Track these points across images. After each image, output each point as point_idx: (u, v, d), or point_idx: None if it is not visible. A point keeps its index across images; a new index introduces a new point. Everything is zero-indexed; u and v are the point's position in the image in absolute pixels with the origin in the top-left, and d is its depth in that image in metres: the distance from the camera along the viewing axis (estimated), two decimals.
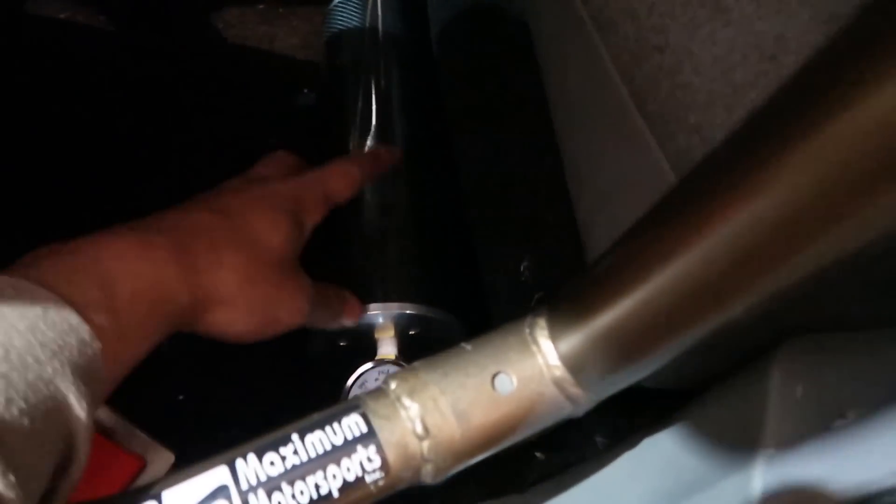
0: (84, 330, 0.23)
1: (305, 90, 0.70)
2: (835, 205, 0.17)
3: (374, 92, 0.56)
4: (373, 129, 0.54)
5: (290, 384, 0.54)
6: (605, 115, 0.35)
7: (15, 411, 0.19)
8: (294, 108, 0.69)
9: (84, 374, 0.23)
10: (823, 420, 0.26)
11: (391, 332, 0.46)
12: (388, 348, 0.46)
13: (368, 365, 0.47)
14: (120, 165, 0.60)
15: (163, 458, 0.33)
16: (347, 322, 0.42)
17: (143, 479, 0.36)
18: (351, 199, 0.40)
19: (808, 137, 0.17)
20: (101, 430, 0.32)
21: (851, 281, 0.30)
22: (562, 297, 0.29)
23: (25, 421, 0.20)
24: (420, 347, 0.47)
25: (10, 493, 0.18)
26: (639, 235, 0.24)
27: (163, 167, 0.62)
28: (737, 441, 0.28)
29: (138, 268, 0.27)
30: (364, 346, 0.48)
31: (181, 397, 0.50)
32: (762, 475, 0.24)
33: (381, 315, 0.45)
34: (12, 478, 0.18)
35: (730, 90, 0.28)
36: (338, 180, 0.39)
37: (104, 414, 0.33)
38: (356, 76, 0.57)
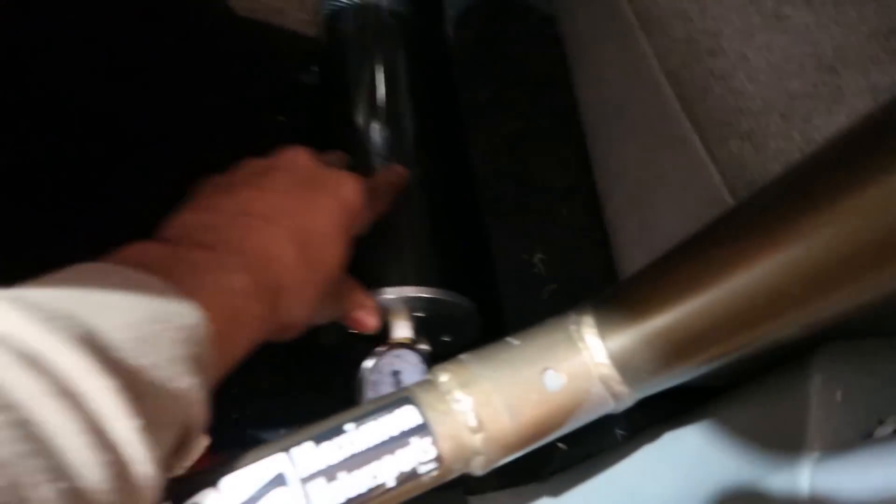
0: (203, 325, 0.23)
1: (314, 67, 0.69)
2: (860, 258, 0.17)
3: (377, 72, 0.55)
4: (379, 110, 0.54)
5: (305, 368, 0.54)
6: (647, 116, 0.35)
7: (148, 376, 0.21)
8: (302, 84, 0.68)
9: (199, 360, 0.23)
10: (863, 425, 0.26)
11: (405, 315, 0.46)
12: (402, 331, 0.46)
13: (383, 348, 0.48)
14: (128, 137, 0.59)
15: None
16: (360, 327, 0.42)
17: None
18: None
19: (878, 181, 0.17)
20: None
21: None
22: (610, 297, 0.29)
23: (153, 388, 0.21)
24: (432, 330, 0.47)
25: (136, 437, 0.19)
26: (703, 244, 0.24)
27: (172, 141, 0.61)
28: (778, 442, 0.28)
29: (226, 303, 0.26)
30: (380, 331, 0.48)
31: (236, 416, 0.50)
32: (809, 477, 0.25)
33: (394, 298, 0.45)
34: (141, 421, 0.20)
35: (786, 98, 0.29)
36: (385, 195, 0.41)
37: None
38: (358, 54, 0.56)
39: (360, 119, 0.53)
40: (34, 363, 0.18)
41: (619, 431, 0.42)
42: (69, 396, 0.19)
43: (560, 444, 0.42)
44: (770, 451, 0.29)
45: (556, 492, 0.40)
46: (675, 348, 0.26)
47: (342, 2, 0.58)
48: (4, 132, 0.55)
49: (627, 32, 0.36)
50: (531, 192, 0.52)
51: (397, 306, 0.48)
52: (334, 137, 0.52)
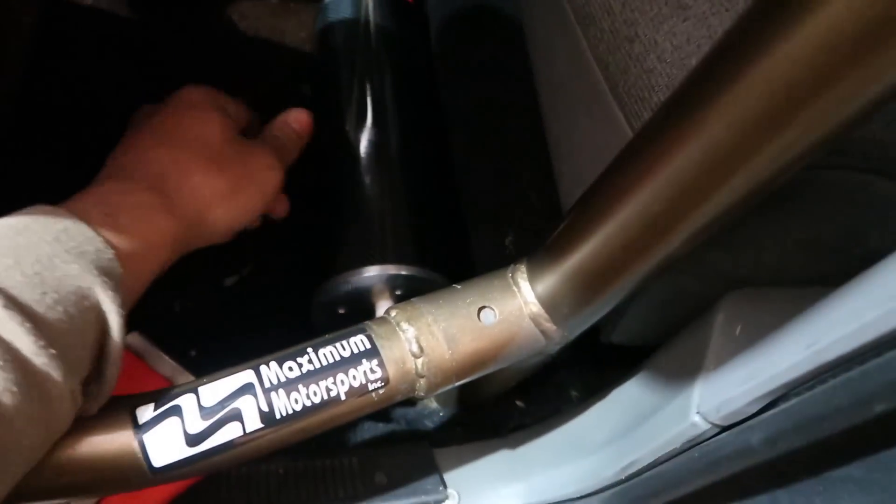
0: (98, 241, 0.27)
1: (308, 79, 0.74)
2: (743, 144, 0.22)
3: (366, 81, 0.60)
4: (367, 114, 0.59)
5: (267, 309, 0.58)
6: (584, 99, 0.40)
7: (49, 300, 0.24)
8: (301, 97, 0.73)
9: (105, 273, 0.27)
10: (751, 346, 0.30)
11: (387, 294, 0.50)
12: (385, 309, 0.50)
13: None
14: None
15: (185, 379, 0.37)
16: (298, 125, 0.47)
17: None
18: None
19: (715, 96, 0.22)
20: (133, 352, 0.37)
21: (784, 242, 0.35)
22: (539, 247, 0.34)
23: (60, 308, 0.24)
24: None
25: (52, 362, 0.22)
26: (597, 188, 0.29)
27: None
28: (683, 373, 0.32)
29: (123, 203, 0.31)
30: (363, 311, 0.52)
31: (193, 353, 0.54)
32: (700, 390, 0.29)
33: (377, 277, 0.50)
34: (53, 350, 0.23)
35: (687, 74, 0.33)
36: (234, 107, 0.45)
37: (135, 339, 0.37)
38: (347, 66, 0.61)
39: (348, 123, 0.58)
40: None
41: (573, 393, 0.46)
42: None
43: (519, 402, 0.46)
44: (677, 382, 0.33)
45: (514, 445, 0.44)
46: (587, 282, 0.30)
47: (333, 19, 0.64)
48: (31, 139, 0.60)
49: (567, 26, 0.41)
50: (504, 182, 0.57)
51: (380, 286, 0.53)
52: (326, 142, 0.57)
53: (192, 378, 0.39)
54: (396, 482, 0.41)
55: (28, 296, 0.23)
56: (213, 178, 0.36)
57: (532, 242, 0.55)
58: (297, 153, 0.46)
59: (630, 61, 0.36)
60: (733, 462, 0.28)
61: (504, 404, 0.45)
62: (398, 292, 0.53)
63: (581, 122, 0.42)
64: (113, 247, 0.28)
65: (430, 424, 0.48)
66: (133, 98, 0.68)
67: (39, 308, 0.23)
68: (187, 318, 0.56)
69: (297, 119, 0.47)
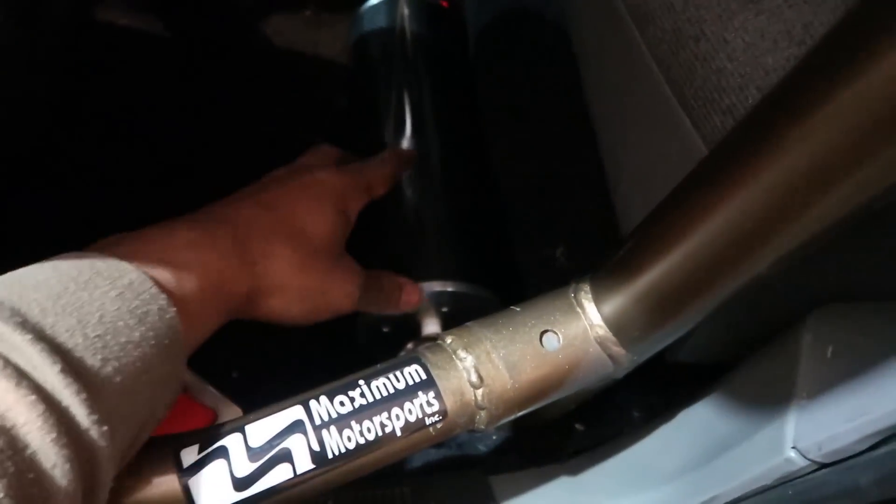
0: (163, 299, 0.25)
1: (345, 92, 0.73)
2: (843, 163, 0.19)
3: (404, 92, 0.58)
4: (406, 126, 0.57)
5: (341, 369, 0.57)
6: (644, 103, 0.38)
7: (110, 370, 0.22)
8: (337, 109, 0.72)
9: (164, 338, 0.25)
10: (851, 374, 0.27)
11: (433, 312, 0.48)
12: (431, 327, 0.48)
13: (412, 345, 0.50)
14: (173, 164, 0.64)
15: (232, 412, 0.36)
16: (406, 308, 0.44)
17: None
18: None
19: (821, 103, 0.19)
20: None
21: (878, 251, 0.32)
22: (604, 265, 0.31)
23: (118, 378, 0.22)
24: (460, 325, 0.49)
25: (102, 442, 0.20)
26: (673, 203, 0.26)
27: (213, 167, 0.65)
28: (771, 398, 0.30)
29: (205, 257, 0.29)
30: (408, 328, 0.51)
31: (235, 374, 0.53)
32: (795, 421, 0.26)
33: (423, 294, 0.48)
34: (105, 428, 0.21)
35: (762, 73, 0.31)
36: (376, 172, 0.42)
37: None
38: (385, 77, 0.60)
39: (387, 137, 0.56)
40: None
41: (636, 413, 0.43)
42: (31, 390, 0.19)
43: (578, 426, 0.43)
44: (763, 408, 0.30)
45: (574, 471, 0.42)
46: (661, 303, 0.28)
47: (368, 28, 0.62)
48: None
49: (623, 28, 0.38)
50: (552, 191, 0.54)
51: (426, 303, 0.51)
52: (365, 155, 0.56)
53: (235, 407, 0.38)
54: None
55: (89, 362, 0.21)
56: (293, 272, 0.34)
57: (585, 254, 0.53)
58: (381, 311, 0.43)
59: (696, 62, 0.33)
60: (835, 502, 0.26)
61: (562, 427, 0.43)
62: (444, 309, 0.51)
63: (639, 128, 0.39)
64: (176, 301, 0.26)
65: (483, 448, 0.46)
66: (169, 118, 0.67)
67: (99, 378, 0.21)
68: (227, 338, 0.55)
69: (409, 294, 0.44)
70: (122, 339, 0.23)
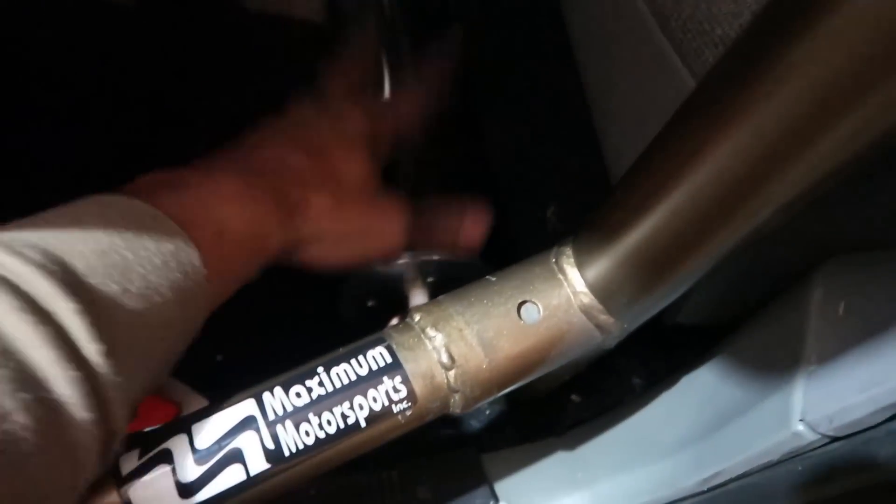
0: (198, 263, 0.25)
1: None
2: (838, 99, 0.16)
3: (382, 49, 0.55)
4: (386, 85, 0.54)
5: (327, 348, 0.55)
6: (628, 40, 0.34)
7: (128, 300, 0.21)
8: (316, 70, 0.68)
9: (190, 297, 0.24)
10: (866, 336, 0.24)
11: (419, 283, 0.45)
12: (419, 299, 0.45)
13: (399, 318, 0.47)
14: (147, 137, 0.61)
15: (198, 404, 0.33)
16: (468, 243, 0.41)
17: None
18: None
19: (820, 22, 0.16)
20: None
21: (884, 199, 0.28)
22: (586, 226, 0.28)
23: (144, 332, 0.22)
24: None
25: (98, 360, 0.20)
26: (657, 150, 0.23)
27: (190, 139, 0.62)
28: (777, 364, 0.27)
29: (248, 214, 0.29)
30: (395, 301, 0.48)
31: (219, 357, 0.51)
32: (803, 390, 0.23)
33: (409, 264, 0.45)
34: (104, 346, 0.20)
35: None
36: (404, 115, 0.40)
37: None
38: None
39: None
40: (4, 284, 0.19)
41: (636, 381, 0.40)
42: (38, 313, 0.19)
43: (574, 397, 0.40)
44: (770, 374, 0.27)
45: (572, 446, 0.39)
46: (650, 264, 0.25)
47: None
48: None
49: None
50: (539, 146, 0.51)
51: (412, 273, 0.48)
52: None
53: (201, 398, 0.35)
54: (441, 496, 0.36)
55: (120, 317, 0.21)
56: (326, 220, 0.32)
57: (578, 213, 0.49)
58: (439, 246, 0.41)
59: None
60: (849, 479, 0.23)
61: (558, 399, 0.40)
62: (431, 279, 0.48)
63: (626, 68, 0.36)
64: (211, 258, 0.25)
65: (476, 425, 0.43)
66: (144, 89, 0.64)
67: (116, 302, 0.21)
68: (210, 320, 0.52)
69: (471, 227, 0.41)
70: (158, 300, 0.23)
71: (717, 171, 0.21)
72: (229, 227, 0.27)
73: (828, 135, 0.18)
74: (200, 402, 0.35)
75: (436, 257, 0.47)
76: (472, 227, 0.40)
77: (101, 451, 0.20)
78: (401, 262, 0.46)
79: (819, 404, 0.23)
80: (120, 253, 0.22)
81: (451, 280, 0.48)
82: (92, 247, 0.21)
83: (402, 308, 0.48)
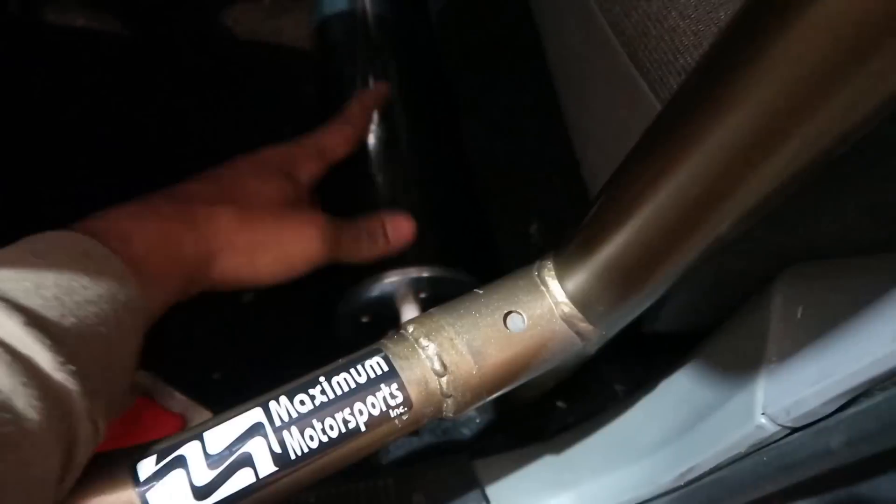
0: (115, 260, 0.27)
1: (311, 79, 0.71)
2: (790, 116, 0.18)
3: (370, 74, 0.57)
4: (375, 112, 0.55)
5: (320, 364, 0.57)
6: (601, 69, 0.37)
7: (68, 323, 0.24)
8: (305, 97, 0.71)
9: (120, 294, 0.26)
10: (819, 335, 0.27)
11: (411, 298, 0.47)
12: (411, 314, 0.47)
13: (392, 332, 0.49)
14: (139, 164, 0.62)
15: (203, 417, 0.35)
16: (400, 243, 0.43)
17: None
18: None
19: (769, 48, 0.18)
20: (141, 392, 0.35)
21: (845, 208, 0.31)
22: (565, 241, 0.30)
23: (78, 330, 0.24)
24: None
25: (73, 379, 0.22)
26: (626, 170, 0.25)
27: (181, 164, 0.64)
28: (743, 364, 0.29)
29: (148, 224, 0.31)
30: (388, 317, 0.50)
31: (216, 376, 0.52)
32: (764, 386, 0.25)
33: (400, 281, 0.47)
34: (73, 367, 0.22)
35: (715, 29, 0.29)
36: (331, 136, 0.43)
37: (143, 376, 0.35)
38: (349, 60, 0.58)
39: None
40: None
41: (618, 387, 0.43)
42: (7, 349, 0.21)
43: (560, 403, 0.42)
44: (736, 375, 0.29)
45: (559, 450, 0.41)
46: (623, 275, 0.27)
47: (328, 12, 0.60)
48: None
49: None
50: (522, 166, 0.53)
51: (403, 290, 0.50)
52: None
53: (205, 411, 0.37)
54: (436, 502, 0.38)
55: (48, 315, 0.23)
56: (236, 229, 0.35)
57: (559, 228, 0.52)
58: (373, 257, 0.43)
59: (649, 22, 0.32)
60: (808, 466, 0.25)
61: (544, 406, 0.42)
62: (423, 295, 0.50)
63: (600, 95, 0.38)
64: (130, 267, 0.28)
65: (467, 433, 0.45)
66: (132, 116, 0.66)
67: (59, 329, 0.23)
68: (207, 340, 0.54)
69: (397, 226, 0.43)
70: (78, 298, 0.24)
71: (679, 190, 0.23)
72: (134, 236, 0.30)
73: (772, 157, 0.20)
74: (204, 415, 0.37)
75: (425, 274, 0.49)
76: (397, 226, 0.43)
77: (93, 430, 0.23)
78: (393, 279, 0.48)
79: (778, 397, 0.25)
80: (66, 284, 0.24)
81: (441, 295, 0.50)
82: (42, 280, 0.24)
83: (395, 323, 0.50)
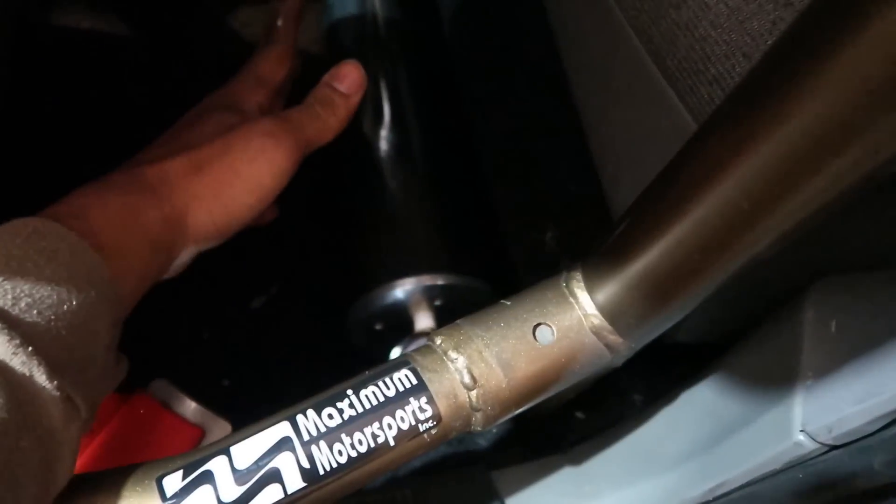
0: (72, 236, 0.26)
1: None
2: (839, 134, 0.18)
3: (380, 79, 0.57)
4: (385, 115, 0.55)
5: (334, 371, 0.56)
6: (626, 78, 0.36)
7: (23, 305, 0.23)
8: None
9: (81, 270, 0.26)
10: (858, 351, 0.26)
11: (425, 305, 0.47)
12: (424, 321, 0.47)
13: (406, 340, 0.49)
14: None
15: (220, 428, 0.35)
16: (353, 90, 0.41)
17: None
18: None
19: (814, 71, 0.18)
20: (159, 403, 0.34)
21: (879, 219, 0.30)
22: (595, 251, 0.30)
23: (34, 311, 0.23)
24: (453, 317, 0.48)
25: (31, 361, 0.22)
26: (664, 183, 0.25)
27: None
28: (775, 378, 0.28)
29: (104, 198, 0.30)
30: (401, 325, 0.49)
31: (226, 383, 0.52)
32: (802, 403, 0.25)
33: (413, 290, 0.46)
34: (30, 347, 0.22)
35: (748, 39, 0.29)
36: (264, 61, 0.43)
37: (158, 385, 0.35)
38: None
39: (366, 124, 0.55)
40: None
41: (637, 397, 0.42)
42: None
43: (578, 414, 0.42)
44: (768, 388, 0.29)
45: (578, 461, 0.41)
46: (656, 288, 0.26)
47: (338, 16, 0.60)
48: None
49: (600, 1, 0.37)
50: (537, 174, 0.53)
51: (417, 297, 0.49)
52: (344, 147, 0.54)
53: (222, 422, 0.36)
54: None
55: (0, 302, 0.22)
56: (189, 178, 0.33)
57: (575, 237, 0.51)
58: (343, 118, 0.40)
59: (678, 31, 0.31)
60: (848, 485, 0.25)
61: (563, 416, 0.42)
62: (437, 303, 0.49)
63: (623, 103, 0.38)
64: (88, 240, 0.27)
65: (483, 443, 0.45)
66: (140, 120, 0.65)
67: (12, 311, 0.22)
68: (217, 346, 0.53)
69: (342, 76, 0.41)
70: (31, 278, 0.23)
71: (715, 209, 0.22)
72: (90, 211, 0.29)
73: (821, 175, 0.20)
74: (222, 426, 0.36)
75: (440, 282, 0.48)
76: (344, 75, 0.42)
77: (65, 410, 0.23)
78: (406, 287, 0.48)
79: (818, 415, 0.24)
80: (16, 266, 0.24)
81: (456, 302, 0.50)
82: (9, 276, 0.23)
83: (408, 331, 0.49)
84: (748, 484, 0.29)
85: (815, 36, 0.19)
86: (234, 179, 0.34)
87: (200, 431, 0.35)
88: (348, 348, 0.52)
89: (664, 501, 0.34)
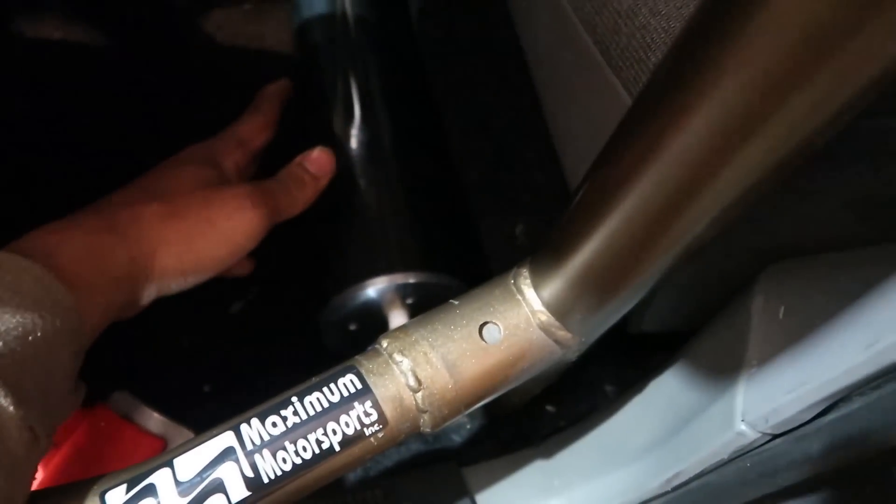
0: (36, 268, 0.27)
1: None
2: (760, 107, 0.17)
3: (350, 76, 0.56)
4: (355, 112, 0.55)
5: (314, 374, 0.56)
6: (576, 67, 0.36)
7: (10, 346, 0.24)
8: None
9: (45, 299, 0.26)
10: (801, 338, 0.26)
11: (398, 304, 0.47)
12: (399, 320, 0.47)
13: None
14: (122, 173, 0.62)
15: (183, 437, 0.35)
16: (322, 172, 0.43)
17: None
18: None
19: (728, 49, 0.17)
20: (120, 415, 0.34)
21: (826, 204, 0.30)
22: (540, 248, 0.30)
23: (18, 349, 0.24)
24: None
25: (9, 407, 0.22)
26: (598, 171, 0.25)
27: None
28: (725, 368, 0.28)
29: (72, 237, 0.31)
30: (376, 325, 0.49)
31: (206, 388, 0.52)
32: (743, 393, 0.25)
33: (385, 289, 0.46)
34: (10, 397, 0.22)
35: None
36: (246, 126, 0.45)
37: (120, 398, 0.35)
38: (330, 62, 0.58)
39: (336, 123, 0.54)
40: None
41: (608, 388, 0.42)
42: None
43: (549, 407, 0.42)
44: (718, 378, 0.29)
45: (548, 455, 0.41)
46: (599, 281, 0.26)
47: (307, 15, 0.60)
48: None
49: None
50: (506, 166, 0.53)
51: (390, 296, 0.49)
52: (315, 145, 0.54)
53: (186, 431, 0.37)
54: None
55: None
56: (163, 223, 0.34)
57: (544, 229, 0.51)
58: (310, 197, 0.43)
59: (619, 19, 0.31)
60: (791, 472, 0.24)
61: (534, 410, 0.42)
62: (409, 301, 0.49)
63: (576, 94, 0.37)
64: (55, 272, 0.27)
65: (457, 439, 0.44)
66: (117, 125, 0.65)
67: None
68: (196, 352, 0.54)
69: (312, 160, 0.43)
70: (36, 337, 0.24)
71: (645, 192, 0.22)
72: (58, 248, 0.29)
73: (740, 157, 0.19)
74: (185, 435, 0.36)
75: (411, 280, 0.48)
76: (315, 161, 0.43)
77: (31, 440, 0.23)
78: (377, 286, 0.48)
79: (757, 404, 0.24)
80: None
81: (430, 300, 0.49)
82: None
83: (383, 330, 0.49)
84: (702, 474, 0.28)
85: (724, 14, 0.18)
86: (208, 230, 0.35)
87: (163, 442, 0.35)
88: (328, 351, 0.53)
89: (629, 492, 0.34)
